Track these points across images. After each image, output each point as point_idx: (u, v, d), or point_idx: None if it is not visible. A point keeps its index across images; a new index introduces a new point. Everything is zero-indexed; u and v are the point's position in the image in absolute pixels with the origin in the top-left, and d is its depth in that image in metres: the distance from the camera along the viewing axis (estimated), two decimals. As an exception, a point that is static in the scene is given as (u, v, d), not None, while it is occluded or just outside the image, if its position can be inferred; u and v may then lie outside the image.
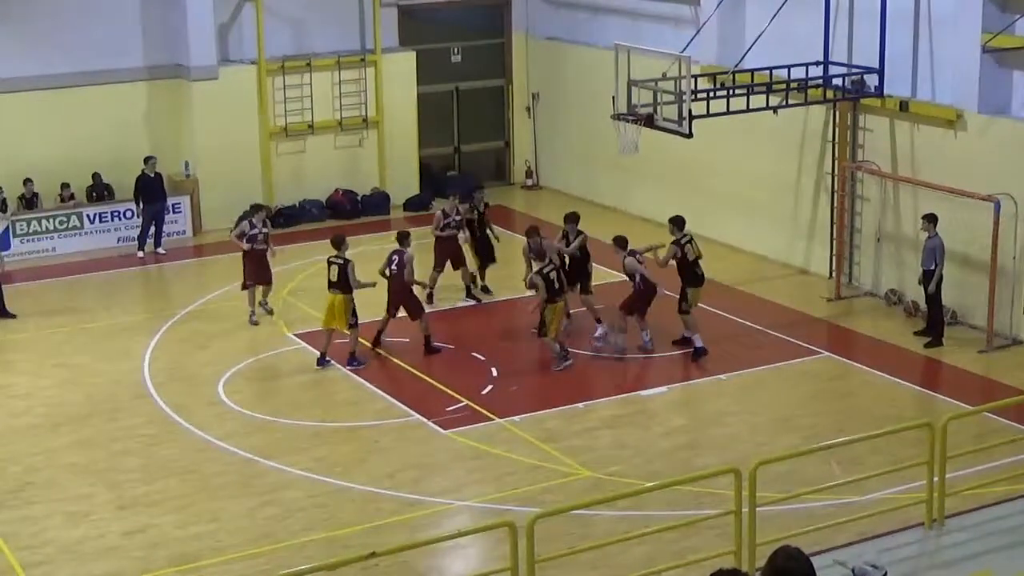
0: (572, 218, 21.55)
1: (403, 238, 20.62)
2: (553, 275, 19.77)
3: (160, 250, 26.29)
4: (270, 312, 22.25)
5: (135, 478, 16.71)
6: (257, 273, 21.97)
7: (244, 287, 22.07)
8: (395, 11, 29.41)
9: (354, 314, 20.11)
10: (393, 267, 20.40)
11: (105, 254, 26.19)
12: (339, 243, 20.28)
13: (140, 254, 26.20)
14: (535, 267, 20.11)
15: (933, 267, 20.43)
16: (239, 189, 27.50)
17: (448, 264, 22.89)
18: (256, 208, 22.33)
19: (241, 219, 22.74)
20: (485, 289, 23.36)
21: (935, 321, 20.73)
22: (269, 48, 27.83)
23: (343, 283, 19.92)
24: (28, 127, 26.45)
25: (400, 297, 20.53)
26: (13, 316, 22.64)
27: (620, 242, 20.35)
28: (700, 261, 20.53)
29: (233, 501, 16.04)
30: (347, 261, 20.01)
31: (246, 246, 21.81)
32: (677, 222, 20.62)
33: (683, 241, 20.44)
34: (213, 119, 27.27)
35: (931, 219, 20.57)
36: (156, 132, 27.51)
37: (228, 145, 27.51)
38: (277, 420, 18.40)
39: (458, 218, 22.92)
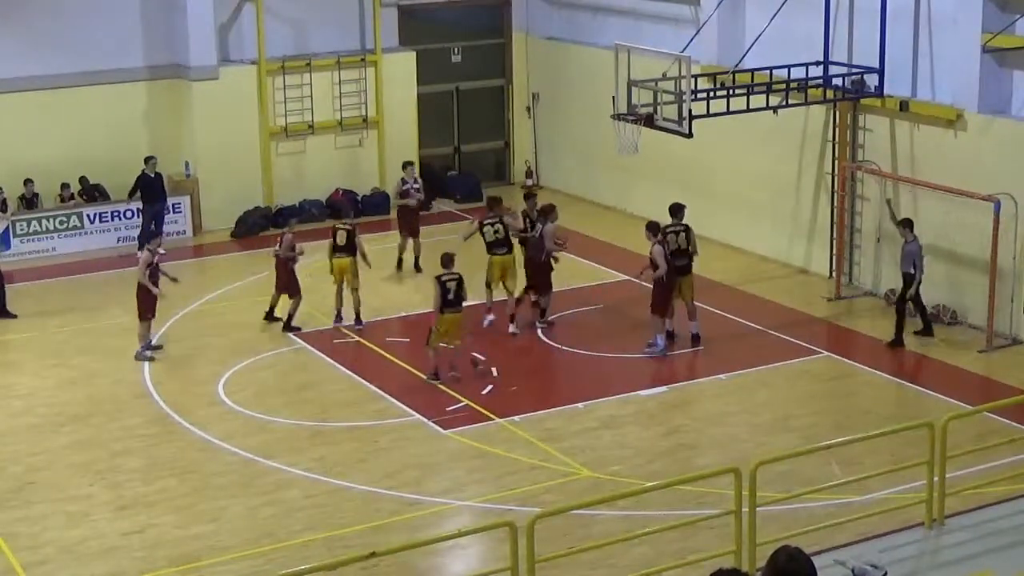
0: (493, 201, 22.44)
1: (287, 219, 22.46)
2: (452, 285, 19.32)
3: (160, 250, 26.21)
4: (157, 348, 21.05)
5: (135, 478, 16.72)
6: (152, 306, 20.95)
7: (145, 317, 21.00)
8: (395, 11, 29.40)
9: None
10: (278, 247, 21.68)
11: (105, 254, 26.19)
12: (346, 213, 22.12)
13: (140, 254, 26.15)
14: None
15: (912, 271, 20.43)
16: (239, 189, 27.57)
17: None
18: (155, 234, 21.87)
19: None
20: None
21: (925, 321, 20.83)
22: (269, 48, 27.82)
23: (350, 246, 21.28)
24: (28, 127, 26.43)
25: (280, 273, 21.69)
26: (13, 316, 22.65)
27: (652, 227, 20.24)
28: (683, 254, 20.44)
29: (233, 501, 16.04)
30: (354, 226, 21.46)
31: (157, 288, 20.89)
32: (675, 210, 20.71)
33: (668, 230, 20.40)
34: (213, 119, 27.26)
35: (907, 224, 20.60)
36: (156, 132, 27.51)
37: (228, 145, 27.51)
38: (277, 420, 18.40)
39: (416, 185, 24.23)
